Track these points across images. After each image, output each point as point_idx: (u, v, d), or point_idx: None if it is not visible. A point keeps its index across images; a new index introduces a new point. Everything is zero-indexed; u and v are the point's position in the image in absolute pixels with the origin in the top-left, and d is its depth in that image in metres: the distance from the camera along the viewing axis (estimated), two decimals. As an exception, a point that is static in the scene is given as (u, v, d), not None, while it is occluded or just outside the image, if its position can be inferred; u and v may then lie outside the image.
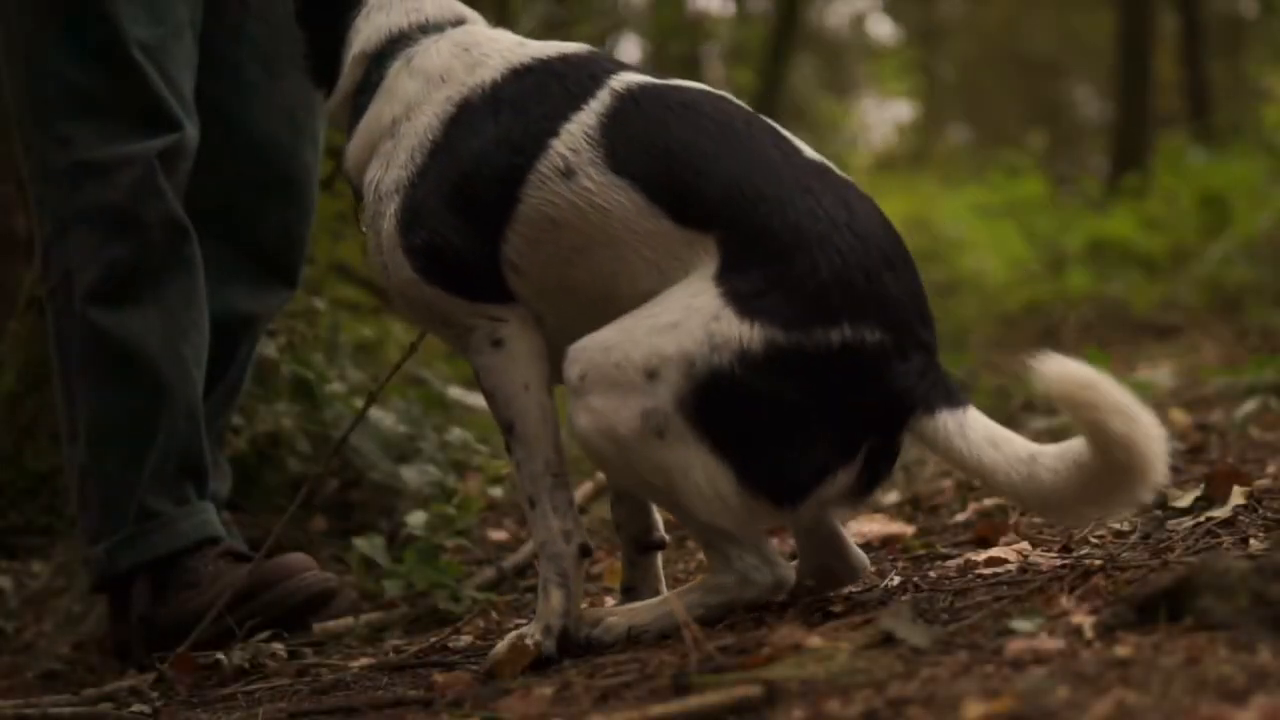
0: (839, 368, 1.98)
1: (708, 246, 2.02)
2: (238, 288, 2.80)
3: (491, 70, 2.18)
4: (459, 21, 2.28)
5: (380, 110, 2.22)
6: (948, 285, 10.24)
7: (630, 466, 2.03)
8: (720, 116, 2.12)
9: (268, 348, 3.28)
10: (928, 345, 2.04)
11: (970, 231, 11.48)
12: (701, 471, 1.99)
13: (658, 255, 2.06)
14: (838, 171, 2.12)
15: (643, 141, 2.09)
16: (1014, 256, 10.32)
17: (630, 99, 2.12)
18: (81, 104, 2.60)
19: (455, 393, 3.84)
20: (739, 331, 1.97)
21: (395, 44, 2.25)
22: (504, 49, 2.21)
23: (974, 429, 1.98)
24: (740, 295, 1.97)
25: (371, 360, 3.90)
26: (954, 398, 2.01)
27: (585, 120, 2.11)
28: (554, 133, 2.11)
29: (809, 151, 2.12)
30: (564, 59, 2.19)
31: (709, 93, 2.17)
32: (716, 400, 1.97)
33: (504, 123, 2.13)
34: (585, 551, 2.16)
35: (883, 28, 25.08)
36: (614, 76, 2.15)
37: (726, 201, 2.03)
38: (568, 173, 2.09)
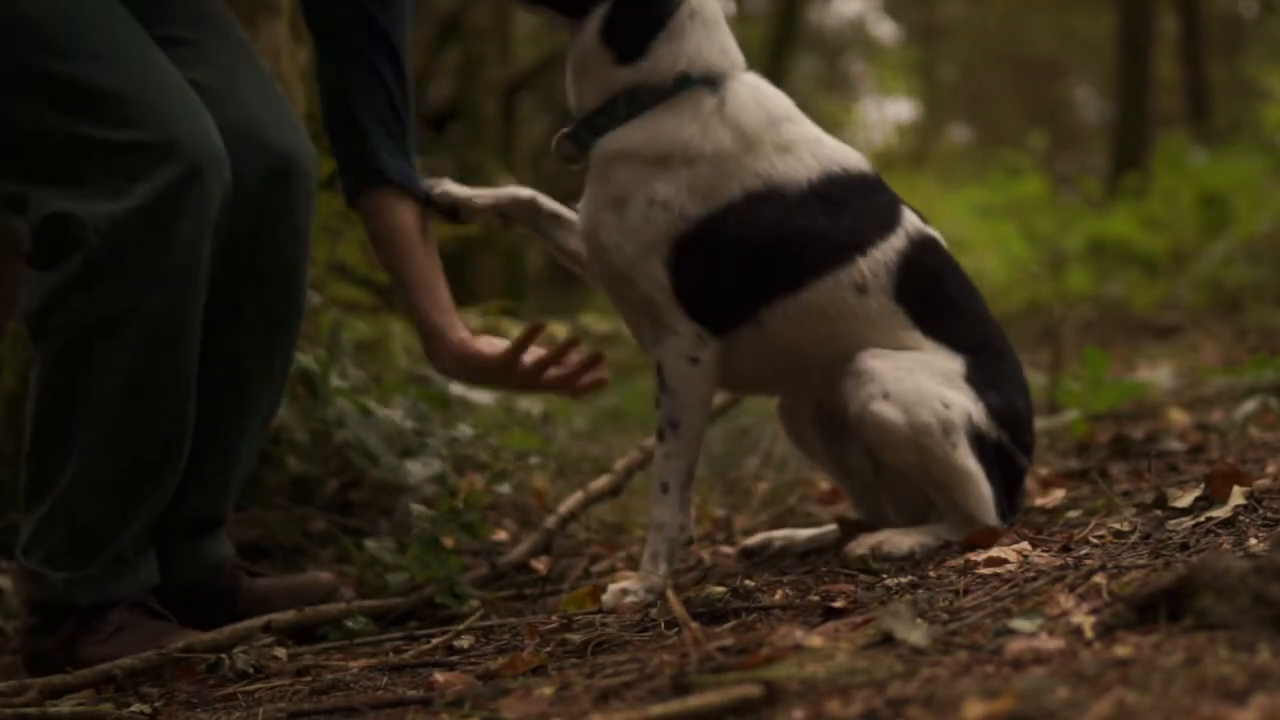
0: (1018, 474, 2.67)
1: (953, 356, 2.58)
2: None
3: (806, 167, 2.52)
4: (735, 70, 2.56)
5: (683, 128, 2.48)
6: (947, 285, 10.21)
7: (923, 455, 2.52)
8: (963, 273, 2.67)
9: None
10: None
11: (970, 231, 11.45)
12: (979, 484, 2.55)
13: (894, 342, 2.55)
14: None
15: (921, 284, 2.57)
16: (1014, 256, 10.31)
17: (917, 244, 2.58)
18: (125, 125, 2.41)
19: (457, 390, 3.82)
20: (991, 428, 2.57)
21: (703, 76, 2.51)
22: (810, 140, 2.55)
23: None
24: (991, 407, 2.57)
25: (372, 359, 3.89)
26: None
27: (889, 251, 2.55)
28: (862, 251, 2.53)
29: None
30: (864, 177, 2.58)
31: (947, 251, 2.67)
32: (981, 443, 2.55)
33: (816, 221, 2.49)
34: (688, 543, 2.59)
35: (883, 28, 25.07)
36: (903, 209, 2.59)
37: (970, 342, 2.61)
38: (861, 288, 2.53)
